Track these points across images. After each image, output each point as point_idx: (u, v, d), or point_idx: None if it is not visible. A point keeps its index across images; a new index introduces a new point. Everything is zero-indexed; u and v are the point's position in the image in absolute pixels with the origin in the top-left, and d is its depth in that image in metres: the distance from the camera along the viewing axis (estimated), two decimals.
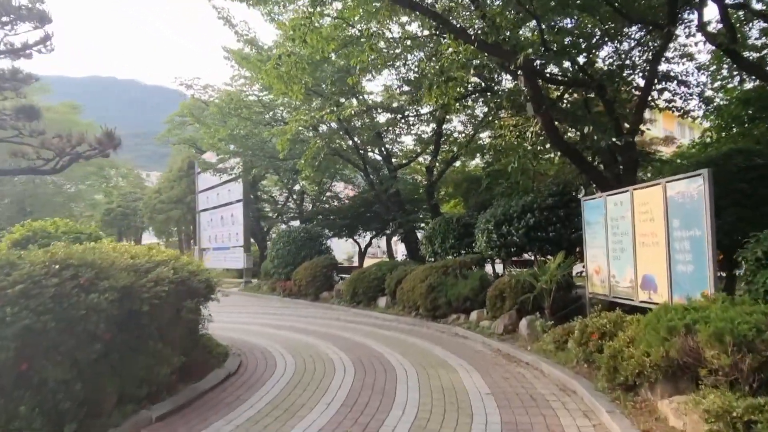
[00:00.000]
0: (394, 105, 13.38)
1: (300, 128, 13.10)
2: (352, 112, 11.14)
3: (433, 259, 14.27)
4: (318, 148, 13.43)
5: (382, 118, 17.08)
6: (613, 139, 8.43)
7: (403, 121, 14.90)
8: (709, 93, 12.93)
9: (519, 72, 8.06)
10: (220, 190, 25.65)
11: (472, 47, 7.61)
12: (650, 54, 9.90)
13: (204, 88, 19.44)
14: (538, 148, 9.59)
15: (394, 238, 26.38)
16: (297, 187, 25.06)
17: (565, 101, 9.90)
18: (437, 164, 16.18)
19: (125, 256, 5.74)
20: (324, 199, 22.63)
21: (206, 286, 6.72)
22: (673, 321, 4.76)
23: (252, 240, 27.57)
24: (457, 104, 12.00)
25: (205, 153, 25.16)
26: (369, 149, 17.39)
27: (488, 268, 13.87)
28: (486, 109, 14.54)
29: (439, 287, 11.27)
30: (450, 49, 8.17)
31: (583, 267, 10.90)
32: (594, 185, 10.47)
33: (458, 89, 8.48)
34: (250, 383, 6.77)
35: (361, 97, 14.07)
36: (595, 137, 7.76)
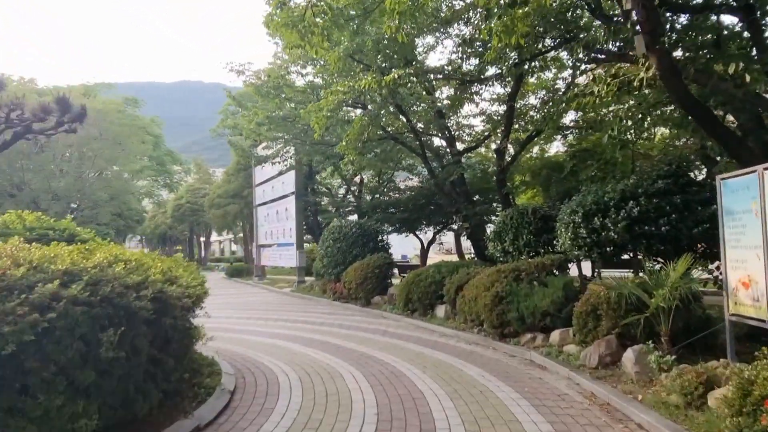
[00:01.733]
0: (457, 70, 10.96)
1: (342, 101, 11.03)
2: (397, 76, 8.90)
3: (502, 260, 11.78)
4: (362, 127, 11.31)
5: (443, 94, 14.75)
6: None
7: (467, 95, 12.45)
8: None
9: None
10: (275, 183, 24.31)
11: None
12: None
13: (256, 74, 17.89)
14: (647, 109, 6.93)
15: (463, 235, 23.88)
16: (358, 179, 23.24)
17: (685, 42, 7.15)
18: (509, 146, 13.59)
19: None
20: (383, 190, 20.54)
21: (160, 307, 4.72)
22: None
23: (310, 236, 26.08)
24: (534, 63, 9.43)
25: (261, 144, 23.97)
26: (428, 131, 15.06)
27: (571, 271, 11.21)
28: (568, 73, 11.80)
29: (508, 297, 8.81)
30: None
31: (714, 276, 8.10)
32: (729, 159, 7.61)
33: (528, 23, 6.00)
34: None
35: (415, 63, 11.75)
36: (749, 78, 5.08)
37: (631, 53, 7.33)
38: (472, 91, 11.90)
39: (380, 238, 16.86)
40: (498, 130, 14.63)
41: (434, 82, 12.77)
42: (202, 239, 52.52)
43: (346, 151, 11.69)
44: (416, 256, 57.57)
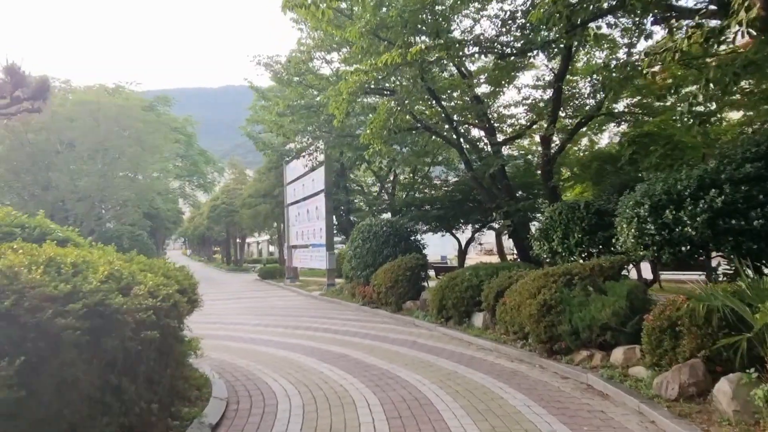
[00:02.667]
0: (496, 41, 9.56)
1: (364, 84, 9.83)
2: (424, 47, 7.64)
3: (549, 261, 10.36)
4: (389, 112, 10.10)
5: (480, 80, 13.35)
6: None
7: (507, 77, 11.05)
8: None
9: None
10: (305, 181, 23.35)
11: None
12: None
13: (276, 61, 16.94)
14: (742, 67, 5.45)
15: (505, 234, 22.35)
16: (392, 176, 22.05)
17: None
18: (556, 133, 12.11)
19: None
20: (418, 187, 19.26)
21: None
22: None
23: (343, 237, 25.04)
24: (587, 33, 7.98)
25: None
26: (464, 119, 13.71)
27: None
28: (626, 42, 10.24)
29: (558, 307, 7.41)
30: None
31: None
32: None
33: None
34: None
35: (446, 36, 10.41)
36: None
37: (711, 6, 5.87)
38: (515, 67, 10.47)
39: (413, 237, 15.59)
40: (543, 118, 13.14)
41: (469, 60, 11.42)
42: (239, 240, 52.33)
43: (371, 141, 10.48)
44: (456, 257, 55.90)
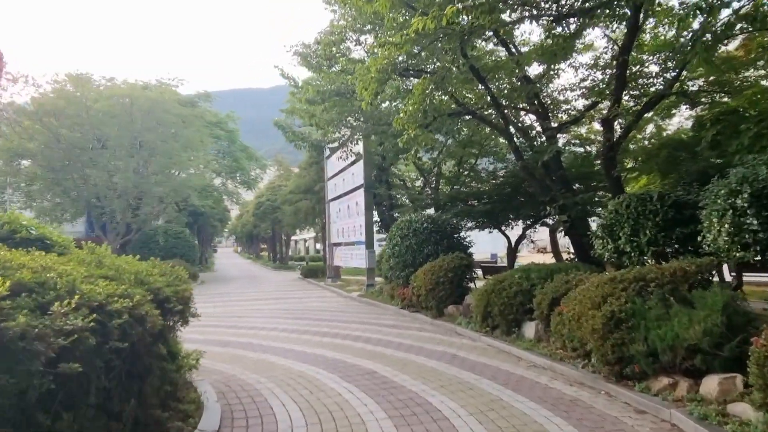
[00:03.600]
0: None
1: (394, 61, 8.62)
2: (461, 6, 6.39)
3: (614, 263, 8.88)
4: (425, 92, 8.88)
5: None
6: None
7: (562, 47, 9.55)
8: None
9: None
10: (345, 175, 22.41)
11: None
12: None
13: (305, 45, 15.92)
14: None
15: (560, 230, 20.65)
16: (436, 170, 20.74)
17: None
18: (621, 114, 10.55)
19: None
20: (464, 180, 17.88)
21: None
22: None
23: (386, 233, 23.93)
24: None
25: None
26: (513, 102, 12.29)
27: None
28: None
29: (629, 321, 6.02)
30: None
31: None
32: None
33: None
34: None
35: None
36: None
37: None
38: (572, 35, 8.99)
39: (457, 234, 14.29)
40: (604, 99, 11.57)
41: (518, 36, 10.03)
42: (284, 238, 52.16)
43: (405, 126, 9.28)
44: (507, 255, 53.71)
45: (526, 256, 32.55)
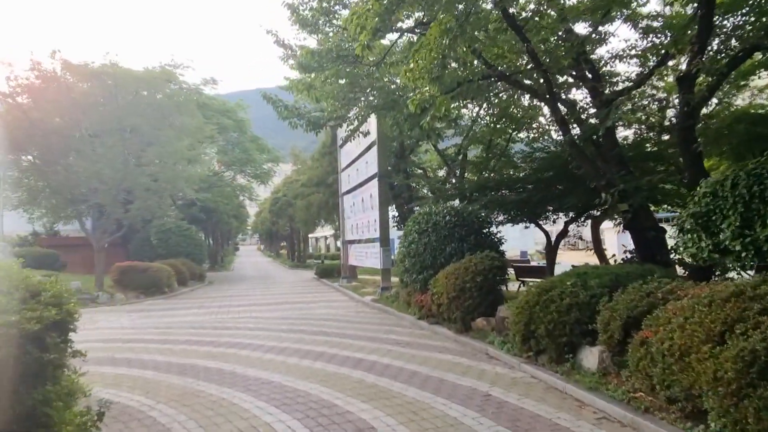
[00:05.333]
0: None
1: None
2: None
3: (707, 265, 6.46)
4: (443, 33, 6.55)
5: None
6: None
7: None
8: None
9: None
10: (359, 165, 20.18)
11: None
12: None
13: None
14: None
15: (606, 224, 18.02)
16: (463, 155, 18.29)
17: None
18: (704, 68, 8.03)
19: None
20: (494, 165, 15.44)
21: None
22: None
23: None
24: None
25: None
26: (554, 64, 9.83)
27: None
28: None
29: None
30: None
31: None
32: None
33: None
34: None
35: None
36: None
37: None
38: None
39: (487, 229, 11.93)
40: (680, 52, 9.02)
41: None
42: (302, 235, 50.18)
43: (414, 81, 6.97)
44: (538, 253, 50.71)
45: (560, 255, 29.90)
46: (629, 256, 11.03)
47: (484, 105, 13.70)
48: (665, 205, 11.87)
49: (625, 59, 11.27)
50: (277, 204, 43.56)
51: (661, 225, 10.32)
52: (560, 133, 9.97)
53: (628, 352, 5.70)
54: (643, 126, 13.08)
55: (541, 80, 9.17)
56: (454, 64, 7.97)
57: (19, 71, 15.61)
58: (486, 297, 9.62)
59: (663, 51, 9.40)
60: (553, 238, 14.30)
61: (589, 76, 10.37)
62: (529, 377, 6.80)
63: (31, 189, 17.44)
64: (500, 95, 13.60)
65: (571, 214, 13.83)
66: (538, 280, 14.97)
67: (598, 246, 18.72)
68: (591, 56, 10.60)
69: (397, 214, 21.43)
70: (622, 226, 10.19)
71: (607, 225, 16.19)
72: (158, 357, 8.55)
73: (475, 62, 9.34)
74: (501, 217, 13.64)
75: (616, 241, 30.54)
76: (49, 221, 26.26)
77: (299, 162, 45.02)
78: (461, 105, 9.72)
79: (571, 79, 11.54)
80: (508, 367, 7.33)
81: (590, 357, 6.51)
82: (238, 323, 12.30)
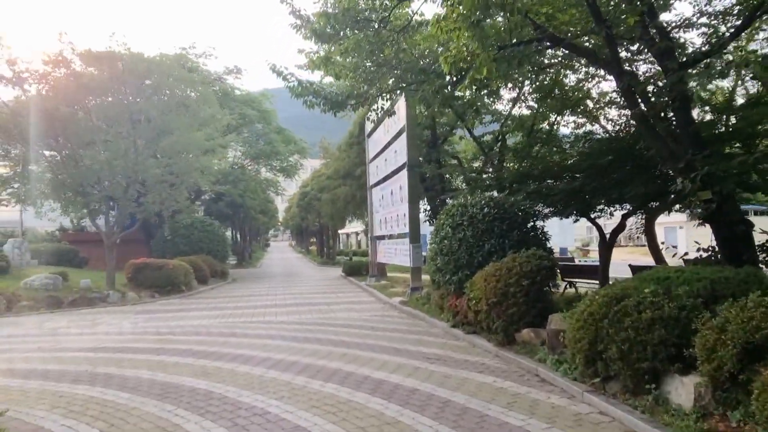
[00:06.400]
0: None
1: None
2: None
3: None
4: None
5: None
6: None
7: None
8: None
9: None
10: (387, 154, 18.79)
11: None
12: None
13: None
14: None
15: (665, 217, 16.10)
16: (502, 140, 16.61)
17: None
18: None
19: None
20: (537, 152, 13.76)
21: None
22: None
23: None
24: None
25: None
26: (618, 22, 8.17)
27: None
28: None
29: None
30: None
31: None
32: None
33: None
34: None
35: None
36: None
37: None
38: None
39: (531, 223, 10.36)
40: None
41: None
42: (331, 230, 49.03)
43: (451, 35, 5.48)
44: (579, 250, 48.14)
45: (596, 250, 28.08)
46: (704, 254, 9.26)
47: (527, 82, 12.08)
48: (760, 193, 10.00)
49: (694, 27, 9.52)
50: (305, 198, 42.55)
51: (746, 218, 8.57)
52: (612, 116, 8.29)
53: (741, 388, 4.14)
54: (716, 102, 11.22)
55: (602, 41, 7.53)
56: (499, 18, 6.44)
57: (22, 53, 14.68)
58: (533, 304, 8.08)
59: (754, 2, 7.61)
60: (607, 234, 12.54)
61: (662, 46, 8.66)
62: (597, 413, 5.26)
63: (42, 182, 16.59)
64: (547, 70, 12.01)
65: (627, 207, 12.05)
66: (590, 281, 13.29)
67: (653, 242, 16.80)
68: (659, 16, 8.90)
69: (428, 207, 19.95)
70: (703, 217, 8.43)
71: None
72: (144, 373, 7.32)
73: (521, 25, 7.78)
74: (546, 210, 11.99)
75: (664, 237, 28.34)
76: (75, 216, 25.69)
77: (328, 155, 43.92)
78: (506, 72, 8.15)
79: (633, 49, 9.86)
80: (567, 397, 5.79)
81: (681, 390, 4.95)
82: (249, 329, 11.04)
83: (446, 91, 8.32)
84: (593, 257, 27.88)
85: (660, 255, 16.54)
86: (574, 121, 16.54)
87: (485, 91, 8.04)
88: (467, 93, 7.56)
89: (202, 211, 34.57)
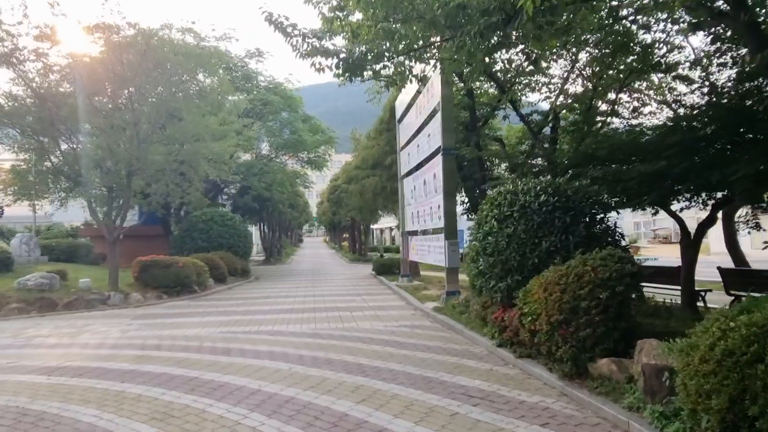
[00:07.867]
0: None
1: None
2: None
3: None
4: None
5: None
6: None
7: None
8: None
9: None
10: (420, 140, 16.74)
11: None
12: None
13: None
14: None
15: (743, 212, 13.56)
16: (554, 115, 14.36)
17: None
18: None
19: None
20: (599, 131, 11.52)
21: None
22: None
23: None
24: None
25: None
26: None
27: None
28: None
29: None
30: None
31: None
32: None
33: None
34: None
35: None
36: None
37: None
38: None
39: (601, 215, 8.18)
40: None
41: None
42: (363, 226, 47.21)
43: None
44: (631, 246, 45.12)
45: (649, 249, 25.53)
46: None
47: (591, 39, 9.87)
48: None
49: None
50: (336, 192, 40.88)
51: None
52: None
53: None
54: None
55: None
56: None
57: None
58: (614, 324, 5.96)
59: None
60: (695, 228, 10.21)
61: None
62: None
63: (40, 172, 15.24)
64: (615, 27, 9.82)
65: (715, 196, 9.69)
66: (668, 287, 10.96)
67: (732, 242, 14.30)
68: None
69: (466, 199, 17.86)
70: None
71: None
72: (89, 412, 5.54)
73: None
74: (616, 199, 9.74)
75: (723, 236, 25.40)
76: (101, 210, 24.72)
77: (359, 146, 42.10)
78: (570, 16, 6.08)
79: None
80: None
81: None
82: (249, 343, 9.21)
83: (496, 36, 6.25)
84: (644, 255, 25.21)
85: (740, 254, 14.05)
86: (638, 98, 14.30)
87: (550, 24, 5.89)
88: (527, 22, 5.49)
89: (230, 205, 33.24)
